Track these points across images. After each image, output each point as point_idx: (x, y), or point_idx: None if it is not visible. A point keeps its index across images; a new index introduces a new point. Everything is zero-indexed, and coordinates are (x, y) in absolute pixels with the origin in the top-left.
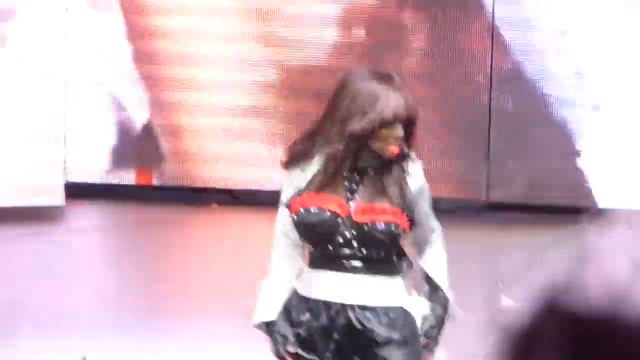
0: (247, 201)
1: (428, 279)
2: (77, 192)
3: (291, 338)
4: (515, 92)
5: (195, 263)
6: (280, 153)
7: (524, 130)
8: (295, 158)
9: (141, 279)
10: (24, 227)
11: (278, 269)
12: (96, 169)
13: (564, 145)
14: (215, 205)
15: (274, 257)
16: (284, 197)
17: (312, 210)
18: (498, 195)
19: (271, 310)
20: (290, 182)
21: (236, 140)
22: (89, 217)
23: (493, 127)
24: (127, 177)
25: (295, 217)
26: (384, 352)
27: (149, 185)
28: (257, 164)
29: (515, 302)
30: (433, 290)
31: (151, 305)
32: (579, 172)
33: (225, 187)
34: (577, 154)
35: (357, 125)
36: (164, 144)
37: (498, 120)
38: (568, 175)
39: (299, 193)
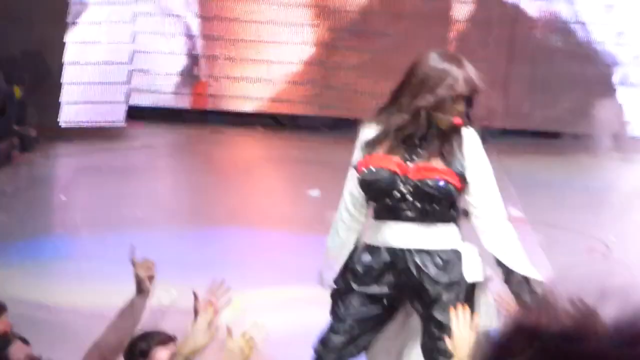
0: (289, 125)
1: (499, 264)
2: (137, 114)
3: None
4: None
5: (240, 179)
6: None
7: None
8: (369, 126)
9: (190, 191)
10: (91, 144)
11: (340, 229)
12: (154, 94)
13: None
14: (260, 129)
15: (338, 215)
16: (353, 160)
17: (374, 170)
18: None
19: (332, 272)
20: (359, 146)
21: (279, 69)
22: (147, 136)
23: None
24: (183, 101)
25: (360, 176)
26: (434, 292)
27: (202, 109)
28: (298, 93)
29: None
30: (507, 274)
31: (199, 211)
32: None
33: (270, 112)
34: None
35: (426, 99)
36: (216, 74)
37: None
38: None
39: (367, 154)
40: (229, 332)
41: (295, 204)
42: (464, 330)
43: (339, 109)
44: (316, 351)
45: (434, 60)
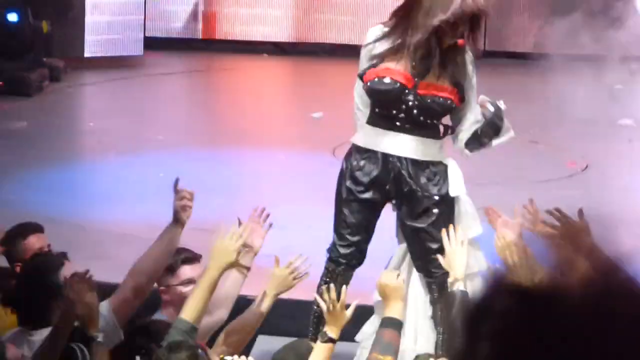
0: (292, 52)
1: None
2: (154, 44)
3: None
4: None
5: (249, 101)
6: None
7: None
8: (378, 40)
9: (204, 114)
10: (111, 73)
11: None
12: (169, 25)
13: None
14: (265, 55)
15: (354, 115)
16: (360, 70)
17: (385, 80)
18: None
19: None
20: (365, 57)
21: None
22: (162, 65)
23: None
24: (195, 31)
25: (369, 84)
26: (425, 204)
27: (212, 39)
28: (298, 24)
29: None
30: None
31: (214, 132)
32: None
33: (273, 40)
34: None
35: (440, 17)
36: (226, 8)
37: None
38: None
39: (376, 65)
40: (277, 261)
41: (300, 126)
42: (457, 248)
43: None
44: (327, 267)
45: None
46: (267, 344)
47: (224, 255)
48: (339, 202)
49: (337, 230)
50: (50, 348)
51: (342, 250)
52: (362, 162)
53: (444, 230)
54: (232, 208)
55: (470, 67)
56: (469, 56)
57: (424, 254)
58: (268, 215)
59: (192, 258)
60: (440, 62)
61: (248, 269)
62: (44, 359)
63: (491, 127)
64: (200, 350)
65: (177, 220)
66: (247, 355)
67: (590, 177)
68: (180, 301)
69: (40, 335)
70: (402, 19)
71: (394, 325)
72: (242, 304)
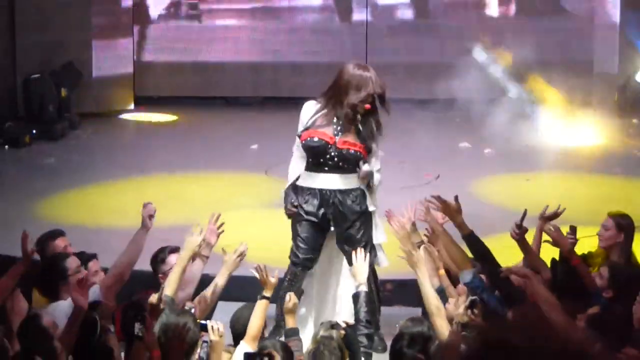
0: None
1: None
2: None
3: (295, 202)
4: None
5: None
6: None
7: None
8: (311, 111)
9: (180, 151)
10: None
11: (292, 170)
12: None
13: None
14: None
15: (292, 160)
16: (299, 130)
17: (315, 139)
18: None
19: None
20: (301, 122)
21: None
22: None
23: None
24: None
25: (304, 142)
26: (351, 217)
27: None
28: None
29: None
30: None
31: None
32: None
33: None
34: None
35: (355, 97)
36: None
37: None
38: None
39: (307, 128)
40: (224, 251)
41: (242, 154)
42: (360, 263)
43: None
44: (289, 268)
45: (352, 69)
46: (226, 307)
47: (192, 246)
48: (294, 223)
49: (295, 242)
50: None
51: (301, 255)
52: (307, 197)
53: (354, 252)
54: (196, 215)
55: (374, 129)
56: (375, 120)
57: (348, 251)
58: (218, 217)
59: (175, 249)
60: (353, 126)
61: (207, 257)
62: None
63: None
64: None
65: (144, 226)
66: (208, 319)
67: (440, 184)
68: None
69: (52, 307)
70: (329, 98)
71: (295, 333)
72: (204, 281)
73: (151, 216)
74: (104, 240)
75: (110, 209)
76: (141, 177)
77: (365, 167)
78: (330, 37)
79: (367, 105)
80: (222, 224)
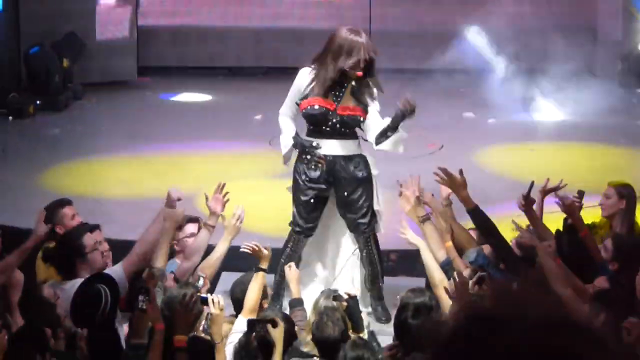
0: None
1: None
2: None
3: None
4: None
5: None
6: None
7: None
8: (305, 79)
9: (180, 121)
10: (113, 93)
11: (286, 125)
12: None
13: None
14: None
15: (280, 119)
16: (293, 96)
17: (315, 107)
18: None
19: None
20: (298, 89)
21: None
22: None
23: None
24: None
25: (305, 111)
26: (354, 183)
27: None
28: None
29: None
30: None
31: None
32: None
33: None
34: None
35: (346, 62)
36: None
37: None
38: None
39: (306, 96)
40: (223, 217)
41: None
42: None
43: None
44: (290, 234)
45: (345, 33)
46: (229, 278)
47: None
48: (296, 190)
49: (297, 208)
50: None
51: (301, 223)
52: (307, 164)
53: None
54: (200, 185)
55: (373, 92)
56: (373, 83)
57: (355, 217)
58: (223, 187)
59: (192, 218)
60: (351, 92)
61: (213, 227)
62: None
63: (393, 126)
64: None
65: (169, 206)
66: (213, 290)
67: (445, 155)
68: (184, 249)
69: (70, 284)
70: (321, 64)
71: (299, 303)
72: (209, 250)
73: (179, 199)
74: (107, 211)
75: (114, 179)
76: (145, 148)
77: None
78: (334, 7)
79: (359, 73)
80: (227, 193)
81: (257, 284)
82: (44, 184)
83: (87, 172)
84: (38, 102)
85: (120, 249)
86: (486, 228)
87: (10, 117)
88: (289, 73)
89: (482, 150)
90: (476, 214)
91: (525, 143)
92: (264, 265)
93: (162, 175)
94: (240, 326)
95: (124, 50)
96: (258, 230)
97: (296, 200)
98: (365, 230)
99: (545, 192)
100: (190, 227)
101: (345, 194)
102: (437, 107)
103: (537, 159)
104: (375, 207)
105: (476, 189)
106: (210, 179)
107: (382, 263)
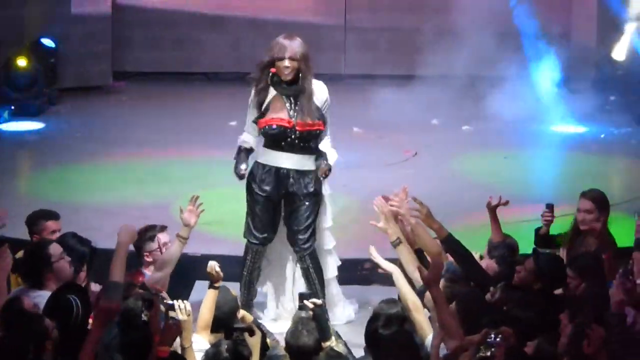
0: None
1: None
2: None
3: (243, 167)
4: None
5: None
6: None
7: None
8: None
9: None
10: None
11: (247, 137)
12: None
13: None
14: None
15: (244, 135)
16: (251, 116)
17: (272, 127)
18: None
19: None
20: (254, 106)
21: None
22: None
23: None
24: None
25: (263, 130)
26: (305, 199)
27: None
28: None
29: None
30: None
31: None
32: None
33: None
34: None
35: (264, 60)
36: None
37: None
38: None
39: (262, 116)
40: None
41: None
42: None
43: None
44: (247, 246)
45: (277, 37)
46: (203, 287)
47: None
48: (250, 200)
49: (251, 220)
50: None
51: (256, 234)
52: (264, 175)
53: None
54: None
55: (321, 96)
56: (318, 88)
57: (295, 231)
58: (197, 199)
59: (163, 228)
60: (301, 104)
61: (186, 239)
62: None
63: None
64: (156, 293)
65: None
66: (186, 298)
67: (419, 161)
68: (156, 261)
69: (37, 294)
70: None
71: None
72: (183, 261)
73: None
74: (83, 219)
75: (90, 187)
76: (121, 154)
77: (324, 165)
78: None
79: (272, 69)
80: (200, 204)
81: (209, 301)
82: (20, 191)
83: (62, 179)
84: (12, 107)
85: (96, 257)
86: (460, 256)
87: None
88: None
89: (456, 158)
90: (450, 242)
91: (499, 151)
92: (217, 285)
93: (139, 182)
94: (198, 345)
95: (98, 55)
96: (233, 237)
97: (251, 212)
98: (302, 246)
99: (493, 208)
100: (162, 237)
101: (292, 207)
102: (410, 113)
103: (511, 165)
104: (326, 224)
105: (451, 196)
106: (186, 185)
107: (322, 281)
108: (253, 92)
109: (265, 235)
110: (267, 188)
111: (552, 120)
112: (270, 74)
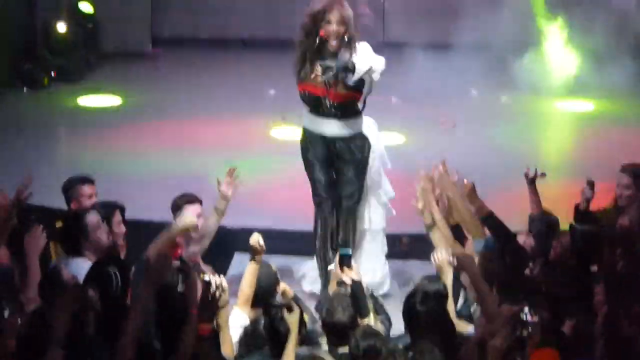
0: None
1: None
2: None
3: None
4: None
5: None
6: None
7: None
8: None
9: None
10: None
11: None
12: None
13: None
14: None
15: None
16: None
17: (307, 92)
18: None
19: None
20: (296, 70)
21: None
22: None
23: None
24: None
25: (300, 95)
26: (351, 164)
27: None
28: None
29: None
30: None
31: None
32: None
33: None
34: None
35: (308, 23)
36: None
37: None
38: None
39: (303, 79)
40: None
41: (262, 99)
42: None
43: None
44: (315, 203)
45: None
46: (243, 259)
47: (181, 227)
48: (305, 165)
49: (312, 180)
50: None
51: (323, 193)
52: (312, 141)
53: None
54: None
55: (364, 58)
56: (361, 49)
57: (340, 194)
58: (234, 172)
59: (192, 200)
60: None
61: (223, 212)
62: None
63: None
64: (193, 264)
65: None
66: (225, 272)
67: (457, 132)
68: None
69: (75, 262)
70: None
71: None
72: (221, 233)
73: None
74: (122, 188)
75: (129, 154)
76: (159, 121)
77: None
78: None
79: (321, 32)
80: (237, 177)
81: (249, 275)
82: (59, 156)
83: (101, 146)
84: (53, 73)
85: (136, 229)
86: (502, 235)
87: (25, 88)
88: None
89: (495, 129)
90: (491, 221)
91: (538, 123)
92: (258, 258)
93: (175, 150)
94: (235, 320)
95: (137, 20)
96: (270, 209)
97: (308, 175)
98: (345, 203)
99: (531, 180)
100: (190, 210)
101: (338, 171)
102: (447, 85)
103: (550, 139)
104: (382, 198)
105: (491, 169)
106: (222, 155)
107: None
108: (297, 55)
109: (327, 195)
110: (316, 152)
111: (590, 92)
112: (319, 38)
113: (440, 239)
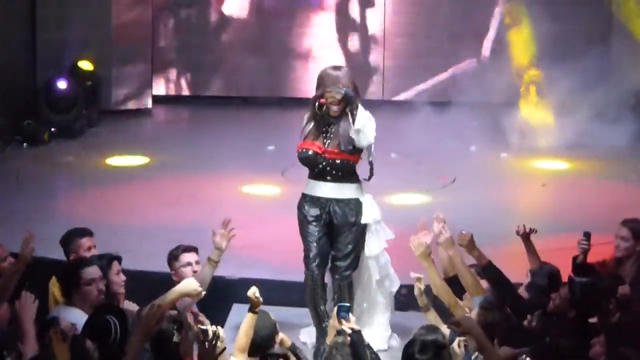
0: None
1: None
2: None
3: None
4: None
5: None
6: None
7: None
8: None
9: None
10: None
11: None
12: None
13: None
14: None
15: None
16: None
17: (303, 150)
18: None
19: None
20: (302, 133)
21: None
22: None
23: None
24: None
25: (297, 154)
26: (345, 227)
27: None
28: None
29: None
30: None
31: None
32: None
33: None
34: None
35: (315, 94)
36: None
37: None
38: None
39: (302, 140)
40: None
41: (258, 156)
42: None
43: None
44: (305, 273)
45: (323, 70)
46: (241, 310)
47: (183, 290)
48: (301, 227)
49: (306, 245)
50: None
51: (313, 259)
52: (310, 205)
53: None
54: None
55: (361, 118)
56: (360, 113)
57: (336, 258)
58: (229, 222)
59: (189, 248)
60: (335, 132)
61: (217, 262)
62: None
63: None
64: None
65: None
66: (223, 323)
67: (456, 188)
68: (181, 279)
69: (75, 311)
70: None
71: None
72: (220, 284)
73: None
74: (120, 240)
75: (127, 208)
76: (158, 176)
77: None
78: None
79: (322, 100)
80: (232, 228)
81: (247, 325)
82: (58, 211)
83: (100, 201)
84: (53, 129)
85: (134, 280)
86: (500, 284)
87: (25, 144)
88: (304, 103)
89: (492, 185)
90: (490, 270)
91: (536, 178)
92: (256, 309)
93: (174, 205)
94: None
95: (138, 78)
96: (270, 262)
97: (302, 237)
98: (341, 273)
99: (524, 236)
100: (187, 257)
101: (334, 235)
102: (447, 140)
103: (548, 193)
104: (371, 252)
105: (489, 224)
106: (221, 209)
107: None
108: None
109: (318, 261)
110: (312, 217)
111: (591, 148)
112: (318, 104)
113: (437, 319)
